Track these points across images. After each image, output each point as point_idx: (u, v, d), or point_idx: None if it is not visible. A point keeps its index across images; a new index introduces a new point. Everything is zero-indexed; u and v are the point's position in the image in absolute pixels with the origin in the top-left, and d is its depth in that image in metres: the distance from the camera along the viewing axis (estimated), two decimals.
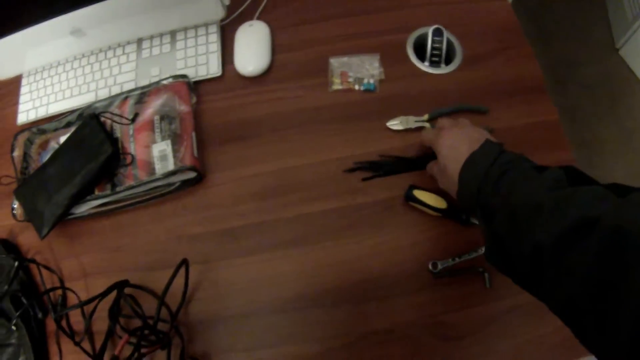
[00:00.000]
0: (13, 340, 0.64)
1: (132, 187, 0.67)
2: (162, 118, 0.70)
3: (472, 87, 0.73)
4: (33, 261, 0.71)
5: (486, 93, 0.72)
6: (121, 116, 0.71)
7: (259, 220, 0.65)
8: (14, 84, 0.84)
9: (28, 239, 0.71)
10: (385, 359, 0.58)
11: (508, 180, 0.47)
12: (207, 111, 0.72)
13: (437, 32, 0.73)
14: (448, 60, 0.75)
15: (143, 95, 0.72)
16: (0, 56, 0.78)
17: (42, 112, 0.80)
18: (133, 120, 0.71)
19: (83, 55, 0.80)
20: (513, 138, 0.67)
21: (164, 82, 0.72)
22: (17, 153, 0.75)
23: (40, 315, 0.66)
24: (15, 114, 0.83)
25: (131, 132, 0.71)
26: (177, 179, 0.67)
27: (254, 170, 0.68)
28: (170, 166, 0.66)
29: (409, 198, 0.64)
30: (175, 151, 0.67)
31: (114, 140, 0.70)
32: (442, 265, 0.61)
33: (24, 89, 0.84)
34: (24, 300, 0.66)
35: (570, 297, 0.36)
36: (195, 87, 0.73)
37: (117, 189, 0.68)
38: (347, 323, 0.60)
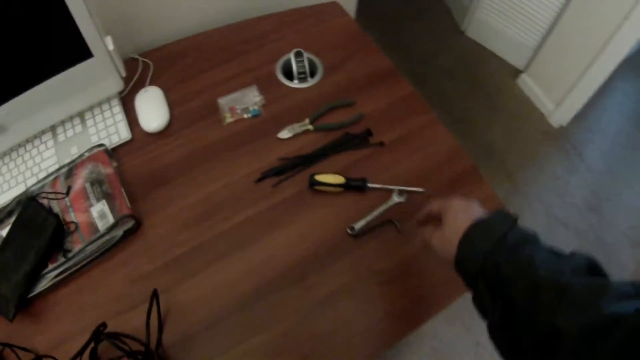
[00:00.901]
0: None
1: (83, 249, 0.77)
2: (92, 184, 0.81)
3: (337, 88, 0.91)
4: (8, 345, 0.78)
5: (350, 90, 0.90)
6: (56, 192, 0.82)
7: (196, 243, 0.77)
8: None
9: None
10: (341, 316, 0.69)
11: (527, 252, 0.46)
12: (129, 170, 0.84)
13: (298, 54, 0.90)
14: (313, 74, 0.92)
15: (70, 170, 0.83)
16: None
17: None
18: (67, 193, 0.82)
19: (4, 154, 0.89)
20: (381, 116, 0.84)
21: (86, 154, 0.84)
22: None
23: None
24: None
25: (68, 203, 0.81)
26: (119, 230, 0.78)
27: (180, 205, 0.80)
28: (111, 220, 0.78)
29: (313, 184, 0.78)
30: (111, 207, 0.79)
31: (55, 215, 0.80)
32: (358, 226, 0.76)
33: None
34: None
35: None
36: (114, 152, 0.85)
37: (69, 255, 0.78)
38: (297, 300, 0.71)
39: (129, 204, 0.79)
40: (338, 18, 0.99)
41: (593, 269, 0.43)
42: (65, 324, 0.77)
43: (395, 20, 2.38)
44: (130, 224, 0.78)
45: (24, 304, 0.77)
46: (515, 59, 2.12)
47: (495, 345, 0.46)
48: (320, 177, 0.78)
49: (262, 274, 0.74)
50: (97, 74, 0.83)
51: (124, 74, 0.86)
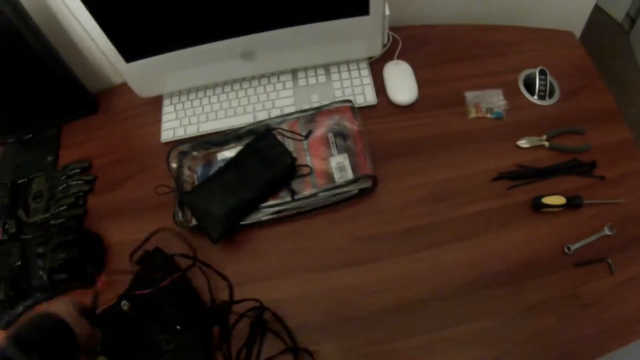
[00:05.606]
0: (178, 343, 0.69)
1: (314, 195, 0.77)
2: (335, 135, 0.81)
3: (568, 115, 0.90)
4: (207, 265, 0.77)
5: (581, 119, 0.89)
6: (294, 132, 0.82)
7: (425, 222, 0.77)
8: (151, 104, 0.93)
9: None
10: (541, 326, 0.69)
11: None
12: (370, 133, 0.84)
13: (542, 72, 0.92)
14: (551, 95, 0.93)
15: (313, 115, 0.83)
16: (146, 76, 0.85)
17: (191, 130, 0.88)
18: (307, 136, 0.82)
19: (245, 80, 0.91)
20: (604, 153, 0.84)
21: (334, 105, 0.84)
22: (174, 165, 0.82)
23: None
24: (157, 131, 0.90)
25: (305, 147, 0.81)
26: (356, 187, 0.77)
27: (416, 181, 0.80)
28: (350, 175, 0.77)
29: (538, 207, 0.78)
30: (352, 163, 0.78)
31: (291, 154, 0.79)
32: (574, 247, 0.74)
33: (167, 109, 0.92)
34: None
35: None
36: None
37: (297, 196, 0.77)
38: (504, 302, 0.70)
39: (370, 164, 0.79)
40: (572, 49, 0.99)
41: None
42: (266, 261, 0.77)
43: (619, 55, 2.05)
44: (368, 183, 0.78)
45: (232, 230, 0.77)
46: None
47: None
48: (547, 200, 0.78)
49: (477, 268, 0.73)
50: (363, 33, 0.84)
51: (385, 40, 0.87)
